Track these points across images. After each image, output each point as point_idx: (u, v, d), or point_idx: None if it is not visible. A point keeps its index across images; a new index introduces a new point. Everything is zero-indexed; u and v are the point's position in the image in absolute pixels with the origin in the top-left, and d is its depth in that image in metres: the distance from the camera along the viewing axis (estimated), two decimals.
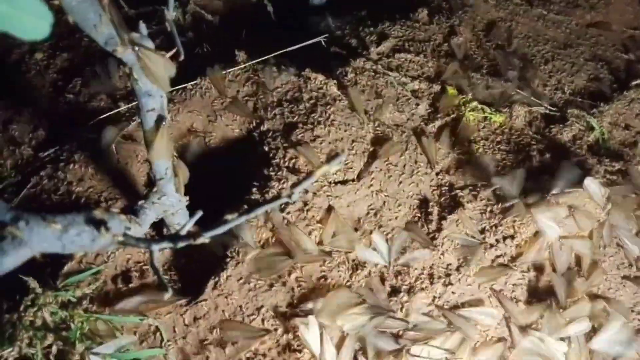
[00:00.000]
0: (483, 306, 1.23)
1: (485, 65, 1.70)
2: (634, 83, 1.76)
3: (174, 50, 0.85)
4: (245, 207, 1.05)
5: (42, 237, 0.61)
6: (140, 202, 0.98)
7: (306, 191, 1.26)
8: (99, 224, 0.63)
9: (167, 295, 0.63)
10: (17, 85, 1.56)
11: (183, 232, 0.71)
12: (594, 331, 1.23)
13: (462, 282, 1.24)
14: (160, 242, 0.69)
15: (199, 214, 0.67)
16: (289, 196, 0.62)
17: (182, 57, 0.87)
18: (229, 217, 0.61)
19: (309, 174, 0.62)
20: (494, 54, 1.75)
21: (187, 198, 1.08)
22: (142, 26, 0.84)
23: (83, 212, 0.62)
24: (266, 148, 1.38)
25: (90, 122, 1.42)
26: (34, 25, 0.42)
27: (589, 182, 1.34)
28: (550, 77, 1.76)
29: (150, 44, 0.85)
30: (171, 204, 1.03)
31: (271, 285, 1.19)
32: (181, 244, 0.68)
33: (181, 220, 1.16)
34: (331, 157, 0.65)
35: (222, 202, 1.28)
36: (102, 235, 0.64)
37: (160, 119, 0.91)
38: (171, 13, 0.82)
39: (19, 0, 0.41)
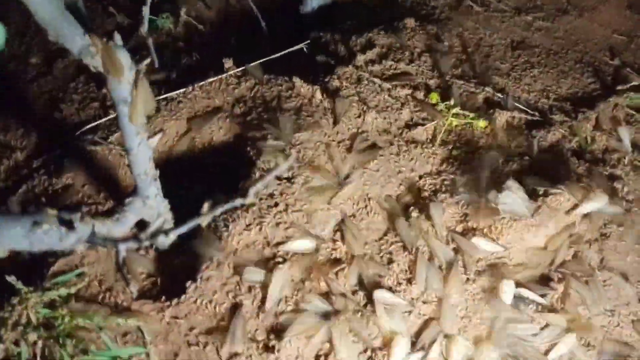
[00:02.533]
0: None
1: (469, 72, 1.72)
2: (619, 88, 1.78)
3: (147, 60, 0.90)
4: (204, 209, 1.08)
5: (10, 236, 0.65)
6: (119, 204, 1.02)
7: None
8: (64, 224, 0.67)
9: (132, 293, 0.66)
10: (11, 92, 1.62)
11: (149, 232, 0.75)
12: None
13: None
14: (126, 242, 0.73)
15: (161, 218, 0.71)
16: (243, 197, 0.65)
17: (156, 65, 0.92)
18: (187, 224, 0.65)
19: (264, 176, 0.65)
20: (479, 60, 1.78)
21: (167, 201, 1.11)
22: (117, 37, 0.88)
23: (49, 212, 0.66)
24: (251, 153, 1.42)
25: (81, 129, 1.47)
26: None
27: None
28: (536, 82, 1.79)
29: (125, 53, 0.89)
30: (150, 206, 1.06)
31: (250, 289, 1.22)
32: (146, 243, 0.72)
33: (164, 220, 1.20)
34: (284, 158, 0.68)
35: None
36: (69, 234, 0.68)
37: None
38: (146, 28, 0.87)
39: None
